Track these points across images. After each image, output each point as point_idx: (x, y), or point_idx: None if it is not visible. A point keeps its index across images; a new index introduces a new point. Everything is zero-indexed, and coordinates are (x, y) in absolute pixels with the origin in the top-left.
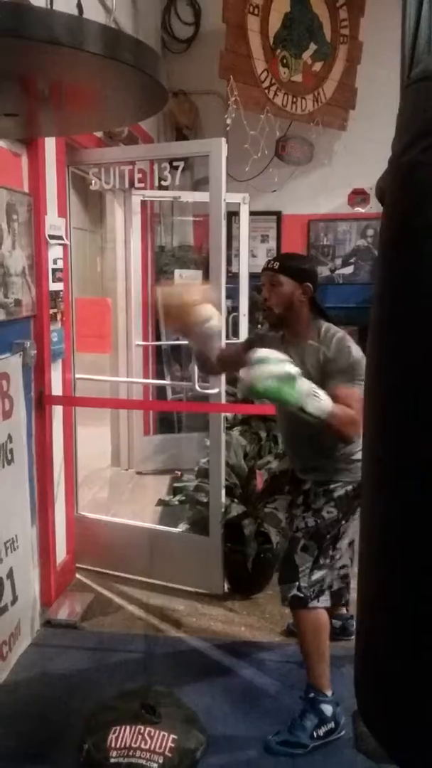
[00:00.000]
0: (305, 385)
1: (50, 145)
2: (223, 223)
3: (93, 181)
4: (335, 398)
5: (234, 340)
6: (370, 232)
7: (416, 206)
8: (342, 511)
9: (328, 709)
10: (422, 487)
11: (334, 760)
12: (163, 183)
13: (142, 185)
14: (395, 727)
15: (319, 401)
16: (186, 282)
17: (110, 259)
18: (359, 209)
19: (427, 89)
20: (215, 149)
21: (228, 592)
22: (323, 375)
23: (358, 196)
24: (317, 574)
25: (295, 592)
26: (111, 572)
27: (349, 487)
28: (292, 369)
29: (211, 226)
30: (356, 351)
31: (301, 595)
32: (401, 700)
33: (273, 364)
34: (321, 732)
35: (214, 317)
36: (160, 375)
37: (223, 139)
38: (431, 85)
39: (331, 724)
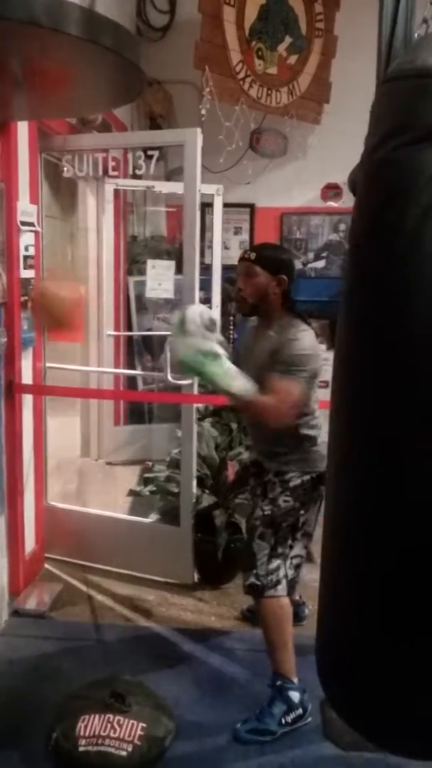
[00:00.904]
0: (229, 365)
1: (23, 130)
2: (198, 213)
3: (65, 168)
4: (269, 388)
5: None
6: (342, 226)
7: (385, 203)
8: (299, 500)
9: (295, 695)
10: (389, 477)
11: (302, 747)
12: (137, 172)
13: (116, 173)
14: (363, 711)
15: (239, 384)
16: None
17: (81, 248)
18: (332, 203)
19: (398, 88)
20: (190, 139)
21: (198, 582)
22: (270, 362)
23: (331, 190)
24: (274, 563)
25: (252, 580)
26: (80, 562)
27: (306, 477)
28: (217, 348)
29: (185, 217)
30: (305, 344)
31: (258, 583)
32: (367, 683)
33: (199, 339)
34: (289, 719)
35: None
36: (130, 365)
37: (199, 129)
38: (402, 85)
39: (299, 711)
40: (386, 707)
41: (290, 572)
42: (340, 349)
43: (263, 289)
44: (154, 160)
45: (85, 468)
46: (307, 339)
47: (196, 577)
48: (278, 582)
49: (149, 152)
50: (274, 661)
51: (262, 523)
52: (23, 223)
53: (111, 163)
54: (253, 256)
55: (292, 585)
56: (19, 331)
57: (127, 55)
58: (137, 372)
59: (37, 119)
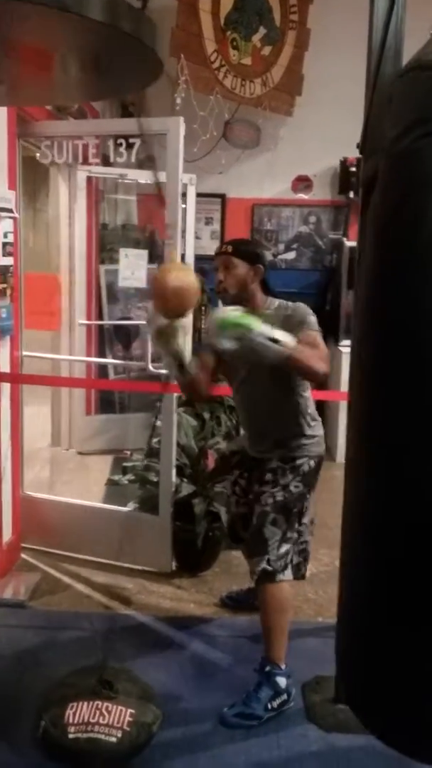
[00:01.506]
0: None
1: (1, 116)
2: (180, 202)
3: (39, 154)
4: (299, 342)
5: None
6: (312, 218)
7: (409, 192)
8: (307, 485)
9: (282, 681)
10: (404, 473)
11: (287, 730)
12: (119, 160)
13: (97, 161)
14: (376, 703)
15: (282, 334)
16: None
17: (53, 236)
18: (302, 195)
19: (420, 79)
20: (173, 128)
21: (175, 570)
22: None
23: (301, 182)
24: (284, 548)
25: (264, 565)
26: (57, 551)
27: (312, 462)
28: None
29: (167, 206)
30: (310, 311)
31: (270, 568)
32: (376, 674)
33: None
34: (275, 704)
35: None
36: (101, 355)
37: (181, 119)
38: (422, 76)
39: (284, 696)
40: (395, 700)
41: (296, 558)
42: (361, 331)
43: (243, 279)
44: (136, 148)
45: (56, 458)
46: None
47: (174, 565)
48: (286, 566)
49: (131, 140)
50: (269, 646)
51: (273, 509)
52: (2, 209)
53: (92, 150)
54: (230, 249)
55: (298, 569)
56: None
57: (147, 41)
58: (120, 361)
59: (45, 105)
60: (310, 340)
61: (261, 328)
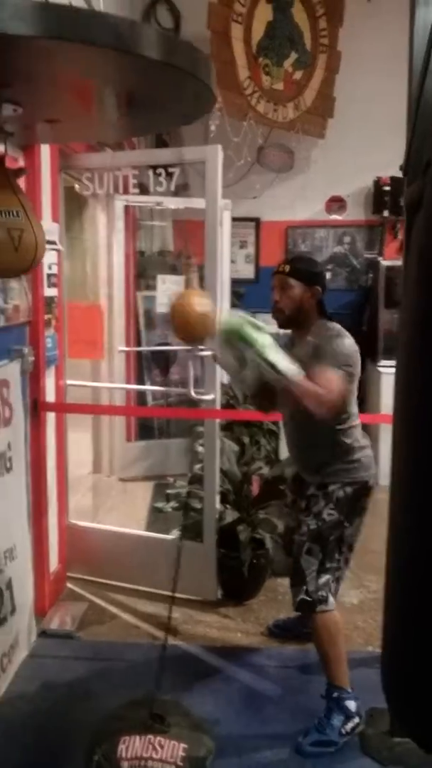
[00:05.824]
0: (272, 342)
1: (45, 149)
2: (218, 229)
3: (77, 186)
4: (313, 377)
5: None
6: (347, 239)
7: None
8: (342, 512)
9: (351, 704)
10: None
11: (343, 764)
12: (158, 189)
13: (136, 191)
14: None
15: (286, 363)
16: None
17: (92, 265)
18: (336, 216)
19: None
20: (211, 156)
21: (221, 598)
22: (312, 360)
23: (335, 203)
24: (324, 578)
25: (302, 596)
26: (101, 580)
27: (348, 489)
28: (265, 326)
29: (206, 233)
30: (348, 342)
31: (309, 599)
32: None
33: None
34: (348, 728)
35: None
36: (140, 381)
37: (219, 147)
38: None
39: (356, 719)
40: None
41: (334, 585)
42: (411, 350)
43: (298, 300)
44: (175, 177)
45: (98, 485)
46: (348, 338)
47: (219, 593)
48: (327, 597)
49: (170, 170)
50: (329, 673)
51: (308, 539)
52: (47, 242)
53: (132, 181)
54: (287, 269)
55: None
56: (44, 349)
57: (202, 76)
58: (162, 388)
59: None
60: (323, 376)
61: (265, 349)
